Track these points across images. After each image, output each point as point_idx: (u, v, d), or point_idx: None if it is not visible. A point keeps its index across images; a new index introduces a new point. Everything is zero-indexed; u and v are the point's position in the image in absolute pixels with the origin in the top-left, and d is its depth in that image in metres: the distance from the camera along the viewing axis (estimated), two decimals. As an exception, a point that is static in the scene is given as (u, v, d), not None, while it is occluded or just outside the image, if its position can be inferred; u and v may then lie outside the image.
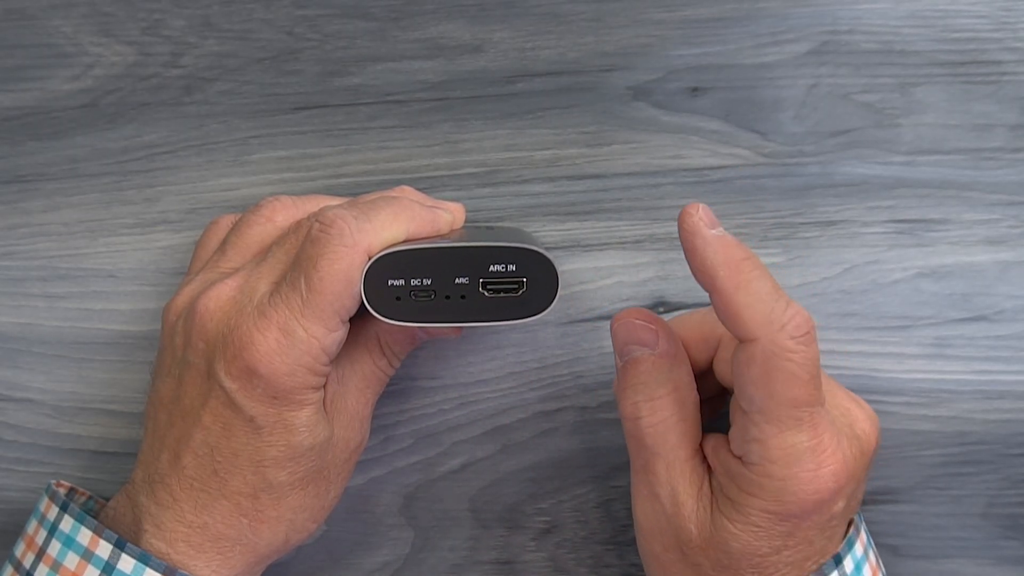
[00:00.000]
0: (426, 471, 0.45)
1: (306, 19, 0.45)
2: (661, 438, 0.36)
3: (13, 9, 0.46)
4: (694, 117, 0.45)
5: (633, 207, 0.45)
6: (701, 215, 0.33)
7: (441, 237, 0.38)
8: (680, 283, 0.44)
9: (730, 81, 0.45)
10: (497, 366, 0.45)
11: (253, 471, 0.36)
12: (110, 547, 0.36)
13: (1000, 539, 0.45)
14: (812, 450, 0.34)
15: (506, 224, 0.45)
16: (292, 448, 0.36)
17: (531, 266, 0.35)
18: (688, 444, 0.36)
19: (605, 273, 0.45)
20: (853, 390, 0.40)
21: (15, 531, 0.41)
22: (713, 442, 0.37)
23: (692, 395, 0.37)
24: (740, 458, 0.35)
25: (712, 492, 0.36)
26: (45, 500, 0.39)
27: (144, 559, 0.36)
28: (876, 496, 0.44)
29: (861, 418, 0.38)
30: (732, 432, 0.35)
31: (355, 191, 0.45)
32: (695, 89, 0.45)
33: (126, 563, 0.36)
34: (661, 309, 0.44)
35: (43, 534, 0.38)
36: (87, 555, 0.36)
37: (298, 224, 0.38)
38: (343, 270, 0.35)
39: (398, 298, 0.35)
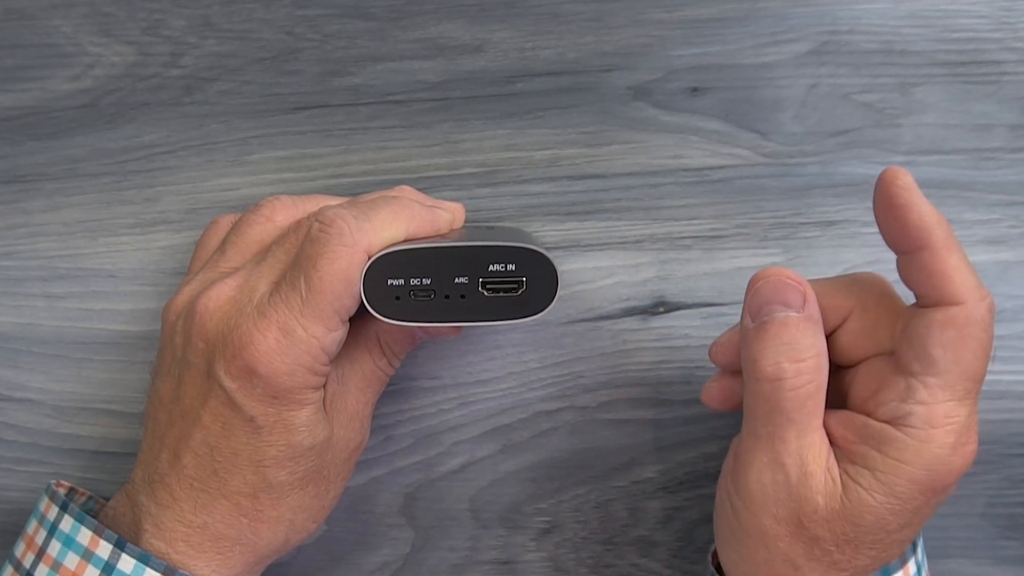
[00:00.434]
0: (426, 471, 0.45)
1: (306, 19, 0.45)
2: (800, 403, 0.35)
3: (13, 9, 0.46)
4: (694, 117, 0.45)
5: (633, 207, 0.45)
6: (910, 176, 0.34)
7: (441, 237, 0.38)
8: (680, 283, 0.44)
9: (730, 81, 0.45)
10: (497, 366, 0.45)
11: (253, 471, 0.36)
12: (110, 547, 0.36)
13: (1000, 539, 0.44)
14: (968, 425, 0.34)
15: (506, 224, 0.45)
16: (292, 448, 0.36)
17: (531, 266, 0.35)
18: (820, 414, 0.36)
19: (605, 273, 0.45)
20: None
21: (15, 531, 0.41)
22: (839, 415, 0.36)
23: (828, 365, 0.36)
24: (889, 423, 0.34)
25: (839, 464, 0.35)
26: (45, 500, 0.39)
27: (144, 559, 0.36)
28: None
29: None
30: (881, 397, 0.35)
31: (355, 191, 0.45)
32: (695, 89, 0.45)
33: (126, 563, 0.36)
34: (661, 309, 0.44)
35: (43, 534, 0.38)
36: (87, 555, 0.36)
37: (298, 224, 0.38)
38: (343, 270, 0.35)
39: (398, 298, 0.35)
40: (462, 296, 0.36)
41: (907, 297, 0.36)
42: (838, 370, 0.38)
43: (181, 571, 0.36)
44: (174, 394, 0.37)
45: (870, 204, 0.44)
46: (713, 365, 0.40)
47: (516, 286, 0.35)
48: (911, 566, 0.37)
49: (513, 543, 0.45)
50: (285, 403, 0.35)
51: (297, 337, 0.35)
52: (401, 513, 0.45)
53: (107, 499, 0.43)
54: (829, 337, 0.38)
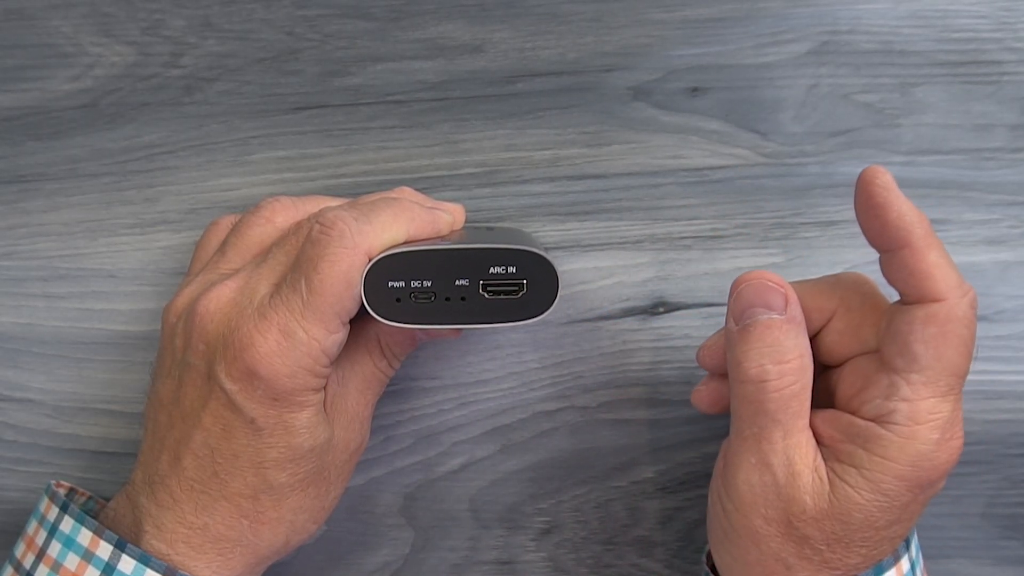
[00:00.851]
0: (426, 471, 0.45)
1: (306, 19, 0.45)
2: (784, 404, 0.35)
3: (13, 9, 0.46)
4: (694, 117, 0.45)
5: (633, 207, 0.45)
6: (889, 175, 0.34)
7: (441, 238, 0.38)
8: (680, 283, 0.45)
9: (730, 81, 0.45)
10: (497, 366, 0.45)
11: (253, 472, 0.36)
12: (110, 548, 0.36)
13: (1000, 539, 0.45)
14: (952, 421, 0.34)
15: (506, 224, 0.45)
16: (292, 449, 0.36)
17: (531, 268, 0.35)
18: (805, 414, 0.36)
19: (605, 273, 0.45)
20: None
21: (15, 531, 0.41)
22: (824, 415, 0.36)
23: (812, 365, 0.36)
24: (874, 421, 0.35)
25: (826, 463, 0.35)
26: (45, 500, 0.39)
27: (144, 560, 0.36)
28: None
29: None
30: (866, 395, 0.35)
31: (355, 191, 0.45)
32: (695, 89, 0.45)
33: (126, 564, 0.36)
34: (661, 309, 0.44)
35: (43, 535, 0.38)
36: (87, 556, 0.36)
37: (298, 225, 0.38)
38: (343, 272, 0.35)
39: (398, 300, 0.35)
40: (463, 298, 0.36)
41: (892, 296, 0.36)
42: (825, 370, 0.38)
43: (181, 572, 0.36)
44: (174, 396, 0.37)
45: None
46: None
47: (517, 288, 0.35)
48: (904, 563, 0.37)
49: (513, 543, 0.45)
50: (286, 405, 0.35)
51: (298, 339, 0.35)
52: (401, 513, 0.45)
53: (107, 499, 0.43)
54: (814, 338, 0.38)
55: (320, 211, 0.37)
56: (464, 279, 0.35)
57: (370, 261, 0.35)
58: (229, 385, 0.35)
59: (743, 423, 0.36)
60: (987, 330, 0.44)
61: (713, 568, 0.40)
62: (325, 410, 0.38)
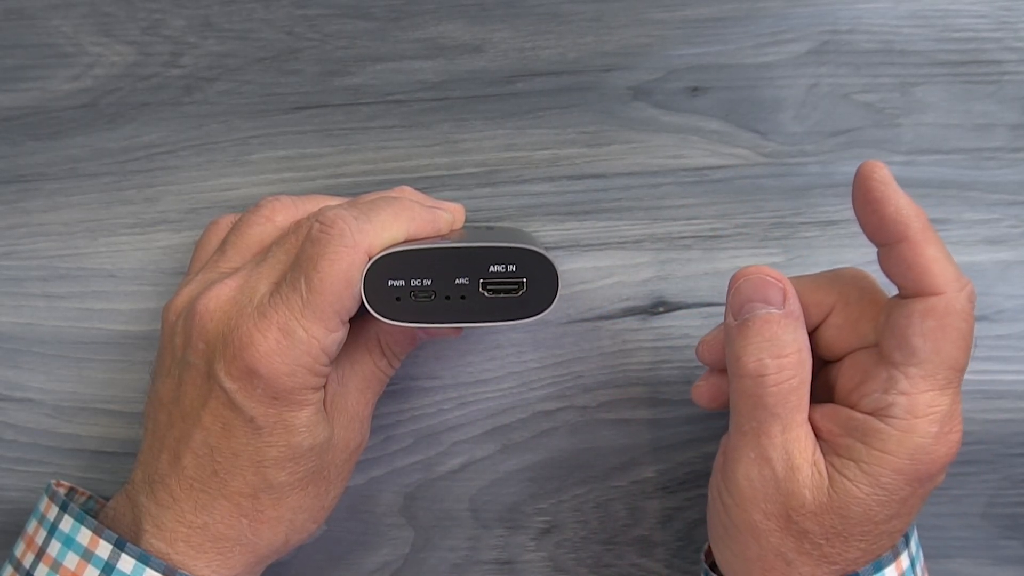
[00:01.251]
0: (426, 471, 0.45)
1: (306, 19, 0.45)
2: (783, 398, 0.35)
3: (13, 9, 0.46)
4: (694, 117, 0.45)
5: (633, 207, 0.45)
6: (887, 169, 0.34)
7: (441, 237, 0.38)
8: (680, 283, 0.45)
9: (730, 81, 0.45)
10: (497, 366, 0.45)
11: (253, 471, 0.36)
12: (110, 547, 0.36)
13: (1000, 539, 0.45)
14: (951, 414, 0.34)
15: (506, 224, 0.45)
16: (292, 448, 0.36)
17: (531, 266, 0.35)
18: (804, 409, 0.36)
19: (605, 273, 0.45)
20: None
21: (15, 531, 0.41)
22: (823, 409, 0.37)
23: (810, 360, 0.36)
24: (872, 415, 0.35)
25: (824, 457, 0.36)
26: (45, 500, 0.39)
27: (144, 559, 0.36)
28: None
29: None
30: (864, 389, 0.35)
31: (355, 191, 0.45)
32: (695, 89, 0.45)
33: (126, 563, 0.36)
34: (661, 309, 0.44)
35: (43, 534, 0.38)
36: (87, 555, 0.36)
37: (298, 224, 0.38)
38: (343, 270, 0.35)
39: (398, 298, 0.35)
40: (462, 297, 0.36)
41: (891, 291, 0.36)
42: (824, 364, 0.39)
43: (181, 571, 0.36)
44: (174, 395, 0.37)
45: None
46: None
47: (517, 287, 0.35)
48: (904, 559, 0.37)
49: (513, 543, 0.45)
50: (285, 404, 0.35)
51: (297, 338, 0.35)
52: (401, 513, 0.45)
53: (107, 499, 0.43)
54: (813, 332, 0.38)
55: (320, 210, 0.37)
56: (464, 278, 0.35)
57: (370, 260, 0.35)
58: (229, 384, 0.35)
59: (742, 418, 0.36)
60: (987, 330, 0.44)
61: (712, 566, 0.40)
62: (325, 409, 0.38)
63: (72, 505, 0.38)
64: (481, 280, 0.35)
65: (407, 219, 0.37)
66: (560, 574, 0.45)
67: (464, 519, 0.45)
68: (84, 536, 0.37)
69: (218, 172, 0.45)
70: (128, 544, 0.36)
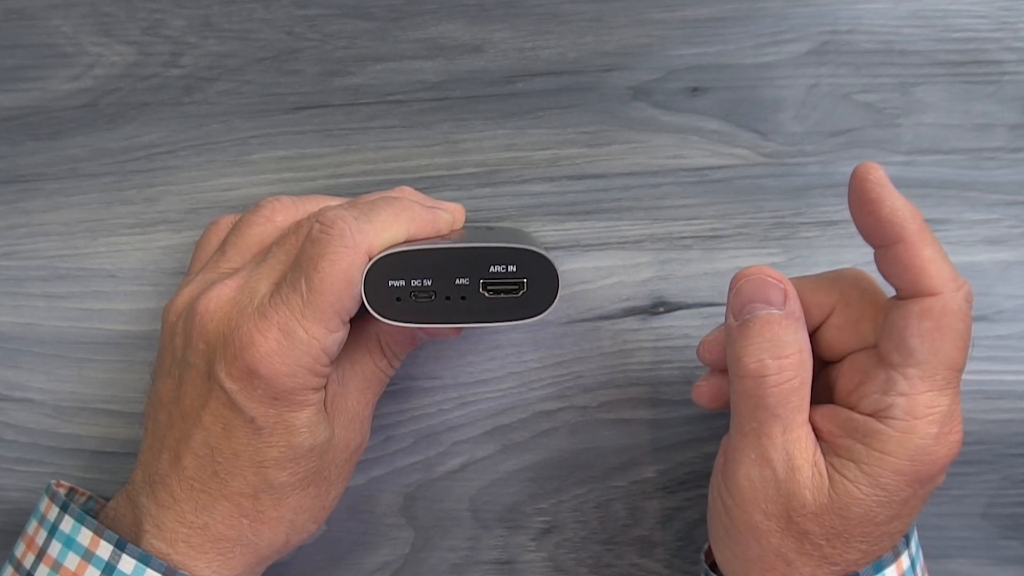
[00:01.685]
0: (426, 471, 0.45)
1: (306, 19, 0.45)
2: (784, 399, 0.35)
3: (13, 9, 0.46)
4: (694, 117, 0.45)
5: (633, 207, 0.45)
6: (882, 170, 0.34)
7: (441, 238, 0.38)
8: (680, 283, 0.45)
9: (730, 81, 0.45)
10: (497, 366, 0.45)
11: (254, 472, 0.36)
12: (110, 547, 0.36)
13: (1000, 539, 0.45)
14: (950, 415, 0.34)
15: (506, 224, 0.45)
16: (293, 449, 0.36)
17: (531, 267, 0.35)
18: (805, 410, 0.36)
19: (605, 273, 0.45)
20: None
21: (15, 531, 0.41)
22: (824, 410, 0.37)
23: (811, 360, 0.36)
24: (872, 416, 0.35)
25: (825, 458, 0.36)
26: (45, 500, 0.39)
27: (145, 560, 0.36)
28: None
29: None
30: (864, 390, 0.35)
31: (355, 191, 0.45)
32: (695, 89, 0.45)
33: (127, 564, 0.36)
34: (661, 309, 0.44)
35: (43, 534, 0.38)
36: (87, 555, 0.36)
37: (298, 224, 0.38)
38: (344, 271, 0.35)
39: (398, 299, 0.35)
40: (463, 297, 0.36)
41: (892, 292, 0.36)
42: (825, 365, 0.39)
43: (182, 572, 0.36)
44: (174, 395, 0.37)
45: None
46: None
47: (517, 287, 0.35)
48: (904, 560, 0.37)
49: (513, 543, 0.45)
50: (286, 404, 0.35)
51: (298, 338, 0.35)
52: (401, 513, 0.45)
53: (107, 499, 0.43)
54: (814, 333, 0.38)
55: (320, 210, 0.37)
56: (464, 278, 0.35)
57: (370, 260, 0.35)
58: (229, 384, 0.35)
59: (743, 418, 0.36)
60: (987, 330, 0.44)
61: (712, 566, 0.40)
62: (325, 409, 0.38)
63: (72, 505, 0.38)
64: (481, 280, 0.35)
65: (407, 219, 0.37)
66: (560, 574, 0.45)
67: (464, 519, 0.45)
68: (85, 537, 0.37)
69: (218, 172, 0.45)
70: (129, 544, 0.36)
